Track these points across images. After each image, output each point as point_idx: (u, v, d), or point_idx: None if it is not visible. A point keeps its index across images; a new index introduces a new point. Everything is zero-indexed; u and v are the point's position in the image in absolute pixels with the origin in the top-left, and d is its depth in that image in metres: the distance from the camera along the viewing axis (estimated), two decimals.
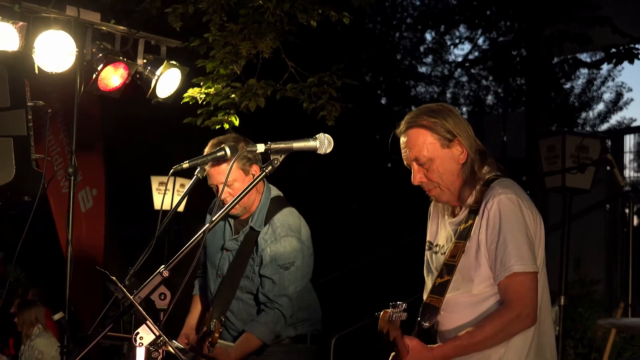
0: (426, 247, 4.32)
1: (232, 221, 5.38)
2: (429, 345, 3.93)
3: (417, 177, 4.08)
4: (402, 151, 4.09)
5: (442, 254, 4.15)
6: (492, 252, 3.94)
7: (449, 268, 4.05)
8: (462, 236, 4.03)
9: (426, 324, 4.06)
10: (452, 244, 4.07)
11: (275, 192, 5.39)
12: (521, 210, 3.96)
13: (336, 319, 9.47)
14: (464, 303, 4.03)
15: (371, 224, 17.24)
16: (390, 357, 3.99)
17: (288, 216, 5.27)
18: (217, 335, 4.77)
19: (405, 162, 4.11)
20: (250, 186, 3.93)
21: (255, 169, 5.16)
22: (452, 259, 4.04)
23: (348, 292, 13.87)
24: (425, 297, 4.16)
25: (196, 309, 5.63)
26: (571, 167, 8.80)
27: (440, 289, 4.07)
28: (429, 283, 4.23)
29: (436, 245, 4.23)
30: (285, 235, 5.18)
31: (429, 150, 4.02)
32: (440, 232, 4.23)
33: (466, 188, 4.06)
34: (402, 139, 4.09)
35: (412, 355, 3.87)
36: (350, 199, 18.28)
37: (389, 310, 3.70)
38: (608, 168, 10.44)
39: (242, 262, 5.25)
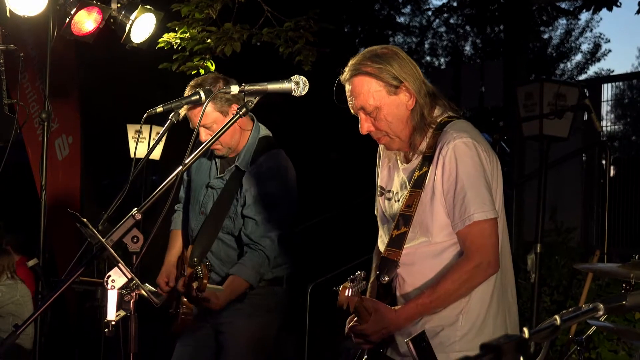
0: (377, 193, 4.19)
1: (218, 160, 5.32)
2: (392, 307, 3.85)
3: (364, 126, 3.92)
4: (348, 100, 3.94)
5: (396, 201, 4.02)
6: (450, 200, 3.82)
7: (405, 219, 3.91)
8: (418, 184, 3.88)
9: (385, 279, 3.93)
10: (407, 193, 3.92)
11: (264, 131, 5.31)
12: (478, 153, 3.82)
13: (313, 267, 9.49)
14: (423, 254, 3.90)
15: (349, 173, 17.25)
16: (352, 321, 3.91)
17: (275, 158, 5.22)
18: (205, 281, 4.75)
19: (352, 111, 3.96)
20: (225, 127, 3.88)
21: (235, 109, 5.05)
22: (408, 209, 3.89)
23: (325, 240, 13.90)
24: (382, 250, 4.03)
25: (175, 245, 5.56)
26: (549, 112, 8.80)
27: (397, 242, 3.93)
28: (383, 233, 4.11)
29: (389, 192, 4.09)
30: (271, 177, 5.14)
31: (375, 99, 3.85)
32: (393, 178, 4.09)
33: (417, 134, 3.91)
34: (347, 87, 3.93)
35: (375, 318, 3.78)
36: (328, 148, 18.28)
37: (348, 284, 3.59)
38: (585, 116, 10.47)
39: (226, 202, 5.19)
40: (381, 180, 4.18)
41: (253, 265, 5.04)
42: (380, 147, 4.20)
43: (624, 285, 5.34)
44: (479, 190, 3.79)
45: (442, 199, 3.84)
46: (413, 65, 3.93)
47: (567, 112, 8.52)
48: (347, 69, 3.94)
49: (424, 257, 3.90)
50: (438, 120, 3.93)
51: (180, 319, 5.14)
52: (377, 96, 3.86)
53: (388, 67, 3.84)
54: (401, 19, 25.34)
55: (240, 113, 3.80)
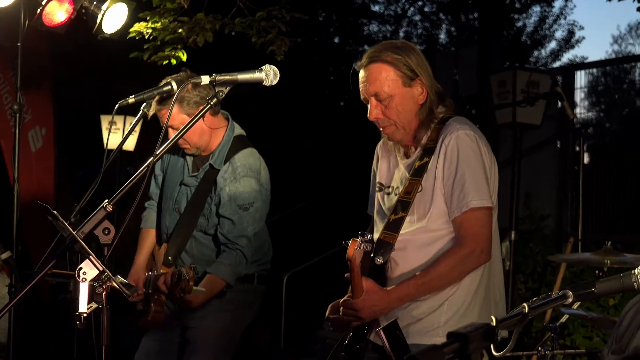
0: (376, 189, 4.28)
1: (189, 159, 5.30)
2: (384, 288, 3.93)
3: (373, 112, 4.04)
4: (361, 85, 4.04)
5: (395, 195, 4.12)
6: (449, 187, 3.93)
7: (403, 205, 4.01)
8: (418, 173, 4.00)
9: (380, 260, 4.02)
10: (406, 182, 4.03)
11: (238, 130, 5.29)
12: (479, 146, 3.96)
13: (288, 257, 9.50)
14: (419, 240, 4.00)
15: (324, 162, 17.25)
16: (332, 308, 4.06)
17: (249, 156, 5.19)
18: (192, 283, 4.73)
19: (362, 97, 4.07)
20: (197, 116, 3.88)
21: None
22: (407, 195, 4.00)
23: (300, 231, 13.90)
24: (379, 234, 4.11)
25: (145, 245, 5.50)
26: (521, 100, 8.85)
27: (394, 226, 4.03)
28: (380, 223, 4.18)
29: (388, 187, 4.19)
30: (245, 176, 5.11)
31: (390, 87, 3.98)
32: (393, 174, 4.18)
33: (422, 129, 4.05)
34: (362, 73, 4.04)
35: (366, 297, 3.87)
36: (303, 137, 18.27)
37: (358, 239, 3.71)
38: (559, 104, 10.50)
39: (200, 200, 5.18)
40: (380, 177, 4.28)
41: (230, 263, 5.04)
42: (378, 146, 4.34)
43: (597, 272, 5.38)
44: (478, 180, 3.92)
45: (442, 187, 3.97)
46: (427, 63, 4.08)
47: (540, 100, 8.56)
48: (364, 56, 4.07)
49: (418, 243, 4.01)
50: (441, 116, 4.07)
51: (151, 315, 5.12)
52: (393, 85, 3.99)
53: (407, 59, 4.00)
54: (376, 8, 25.30)
55: (212, 103, 3.81)
